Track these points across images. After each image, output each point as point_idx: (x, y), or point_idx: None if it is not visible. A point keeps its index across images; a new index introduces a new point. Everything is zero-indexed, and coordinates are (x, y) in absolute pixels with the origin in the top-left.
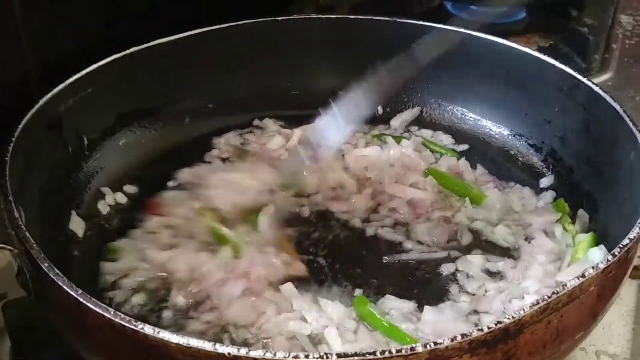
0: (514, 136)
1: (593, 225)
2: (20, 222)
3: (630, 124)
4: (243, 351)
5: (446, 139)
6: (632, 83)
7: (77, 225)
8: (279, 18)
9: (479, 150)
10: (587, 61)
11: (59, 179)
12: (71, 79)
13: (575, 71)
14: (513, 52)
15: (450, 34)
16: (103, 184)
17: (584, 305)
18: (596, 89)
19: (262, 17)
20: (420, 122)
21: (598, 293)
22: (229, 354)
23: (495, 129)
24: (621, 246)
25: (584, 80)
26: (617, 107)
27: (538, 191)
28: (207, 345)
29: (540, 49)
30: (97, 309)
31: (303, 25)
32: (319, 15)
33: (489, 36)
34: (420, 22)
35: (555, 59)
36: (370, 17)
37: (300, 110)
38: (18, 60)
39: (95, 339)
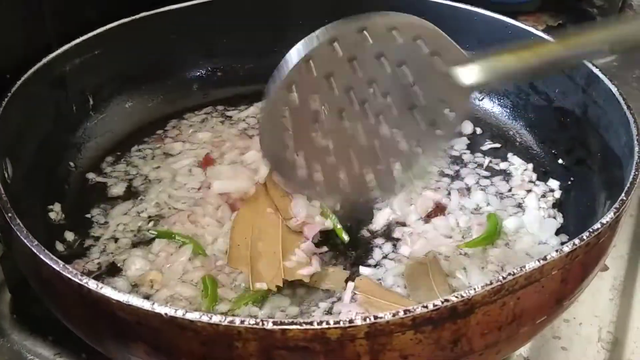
0: (513, 116)
1: (582, 210)
2: None
3: (625, 107)
4: (180, 312)
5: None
6: (638, 63)
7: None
8: None
9: (478, 128)
10: None
11: (60, 137)
12: (77, 40)
13: None
14: (516, 30)
15: (458, 11)
16: (106, 144)
17: (545, 289)
18: (595, 70)
19: None
20: None
21: (562, 278)
22: (165, 314)
23: (495, 108)
24: (590, 230)
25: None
26: (614, 89)
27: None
28: (146, 304)
29: (549, 28)
30: (48, 262)
31: None
32: None
33: (492, 13)
34: None
35: None
36: None
37: None
38: (39, 29)
39: (51, 291)
